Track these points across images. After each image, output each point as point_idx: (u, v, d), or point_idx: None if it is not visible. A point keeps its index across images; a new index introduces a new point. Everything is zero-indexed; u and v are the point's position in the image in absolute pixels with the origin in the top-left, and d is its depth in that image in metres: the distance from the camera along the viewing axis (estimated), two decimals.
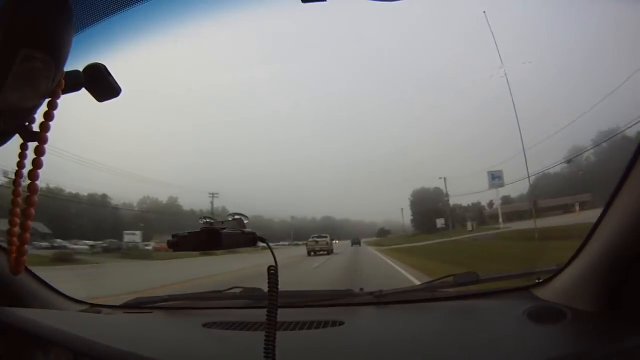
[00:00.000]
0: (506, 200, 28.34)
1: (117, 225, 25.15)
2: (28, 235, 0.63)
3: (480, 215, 30.81)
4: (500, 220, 26.60)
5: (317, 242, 17.46)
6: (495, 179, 25.15)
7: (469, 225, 28.53)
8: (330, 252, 17.05)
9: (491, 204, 29.35)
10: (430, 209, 32.31)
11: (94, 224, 25.30)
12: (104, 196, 27.21)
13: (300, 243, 26.95)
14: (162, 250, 18.54)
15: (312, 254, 16.57)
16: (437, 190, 32.78)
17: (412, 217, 36.51)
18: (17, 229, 0.64)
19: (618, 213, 0.85)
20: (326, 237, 18.22)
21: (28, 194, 0.62)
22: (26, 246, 0.64)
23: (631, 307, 0.86)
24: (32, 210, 0.62)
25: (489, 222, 28.66)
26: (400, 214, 38.10)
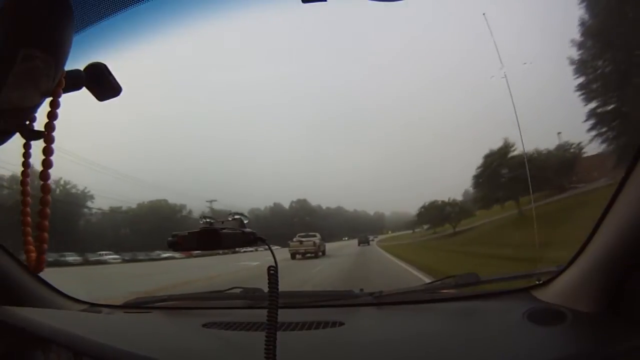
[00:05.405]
0: None
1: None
2: (46, 234, 0.63)
3: None
4: None
5: (301, 242, 15.01)
6: None
7: None
8: (318, 254, 14.56)
9: None
10: None
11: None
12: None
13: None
14: None
15: (298, 256, 14.27)
16: None
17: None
18: (29, 228, 0.64)
19: (618, 214, 0.85)
20: (314, 236, 15.61)
21: (42, 194, 0.62)
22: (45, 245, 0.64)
23: (631, 308, 0.86)
24: (48, 210, 0.62)
25: None
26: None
